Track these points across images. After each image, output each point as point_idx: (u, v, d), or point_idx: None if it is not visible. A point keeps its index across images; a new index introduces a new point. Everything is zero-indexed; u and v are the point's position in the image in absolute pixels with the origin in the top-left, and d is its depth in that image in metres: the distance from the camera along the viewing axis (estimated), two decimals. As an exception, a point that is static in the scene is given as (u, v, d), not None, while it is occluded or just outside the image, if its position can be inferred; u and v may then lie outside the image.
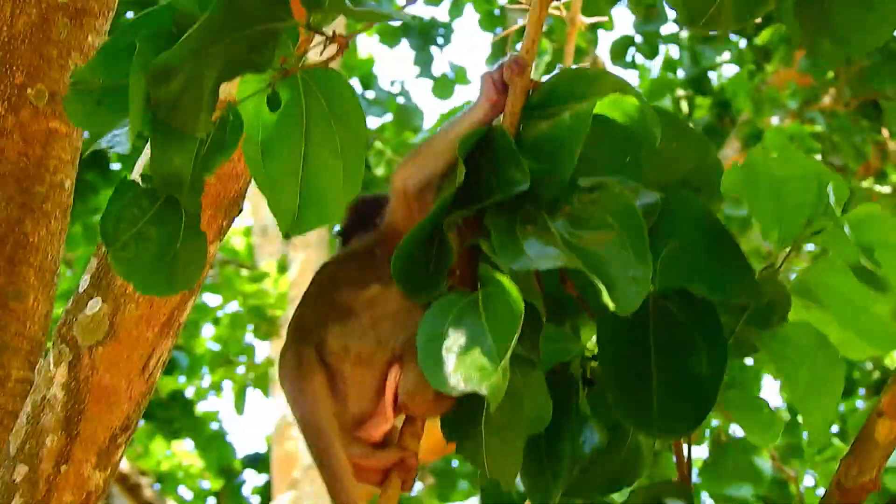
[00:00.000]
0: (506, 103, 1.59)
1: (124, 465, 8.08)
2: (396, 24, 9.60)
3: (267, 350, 8.47)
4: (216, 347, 9.26)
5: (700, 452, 5.23)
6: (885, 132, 7.08)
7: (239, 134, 1.56)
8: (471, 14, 9.92)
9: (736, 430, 4.99)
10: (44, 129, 2.37)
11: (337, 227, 1.78)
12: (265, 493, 10.11)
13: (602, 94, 1.55)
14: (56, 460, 2.14)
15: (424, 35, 9.60)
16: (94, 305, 2.16)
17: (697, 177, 1.63)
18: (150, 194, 1.53)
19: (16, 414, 2.26)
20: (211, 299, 9.16)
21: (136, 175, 1.94)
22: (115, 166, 7.50)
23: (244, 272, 8.42)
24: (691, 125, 2.03)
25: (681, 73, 7.92)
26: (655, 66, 8.20)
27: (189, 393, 9.83)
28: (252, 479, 10.70)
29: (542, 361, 1.59)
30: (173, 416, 9.47)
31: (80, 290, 2.18)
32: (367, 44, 10.20)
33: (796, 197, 1.63)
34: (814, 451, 5.29)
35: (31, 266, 2.35)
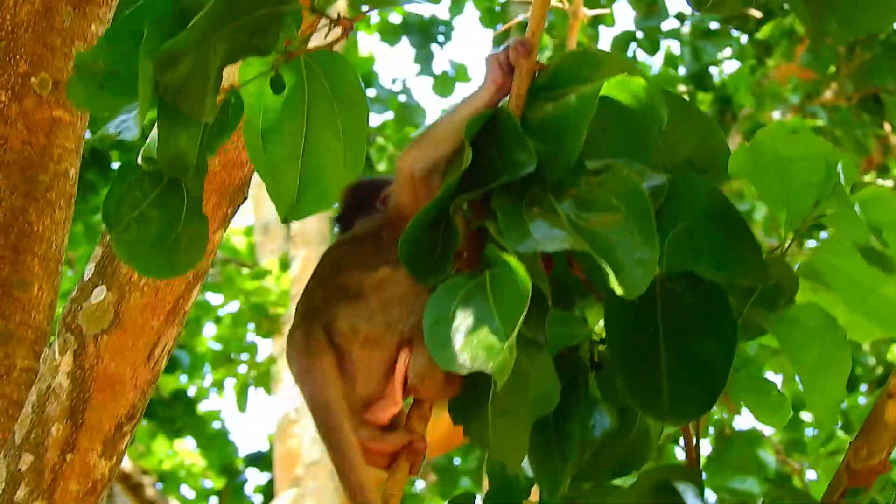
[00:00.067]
0: (512, 85, 1.59)
1: (126, 465, 8.07)
2: (397, 21, 9.60)
3: (269, 348, 8.46)
4: (218, 347, 9.26)
5: (703, 448, 5.22)
6: (887, 126, 7.07)
7: (239, 116, 1.56)
8: (471, 11, 9.91)
9: (740, 424, 5.00)
10: (47, 118, 2.37)
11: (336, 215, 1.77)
12: (267, 491, 10.11)
13: (608, 76, 1.55)
14: (62, 449, 2.13)
15: (425, 33, 9.61)
16: (99, 294, 2.16)
17: (703, 158, 1.62)
18: (152, 177, 1.52)
19: (21, 403, 2.26)
20: (212, 298, 9.17)
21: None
22: (116, 165, 7.50)
23: (245, 271, 8.42)
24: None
25: (682, 70, 7.92)
26: (656, 62, 8.20)
27: (191, 392, 9.83)
28: (254, 478, 10.70)
29: (550, 345, 1.58)
30: (175, 414, 9.48)
31: (85, 278, 2.18)
32: (368, 42, 10.21)
33: (804, 177, 1.63)
34: (818, 444, 5.28)
35: (36, 255, 2.35)
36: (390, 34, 9.67)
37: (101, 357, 2.15)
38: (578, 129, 1.52)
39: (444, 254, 1.55)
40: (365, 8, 1.60)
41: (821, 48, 6.61)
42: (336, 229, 1.73)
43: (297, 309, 1.61)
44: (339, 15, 1.59)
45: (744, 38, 7.53)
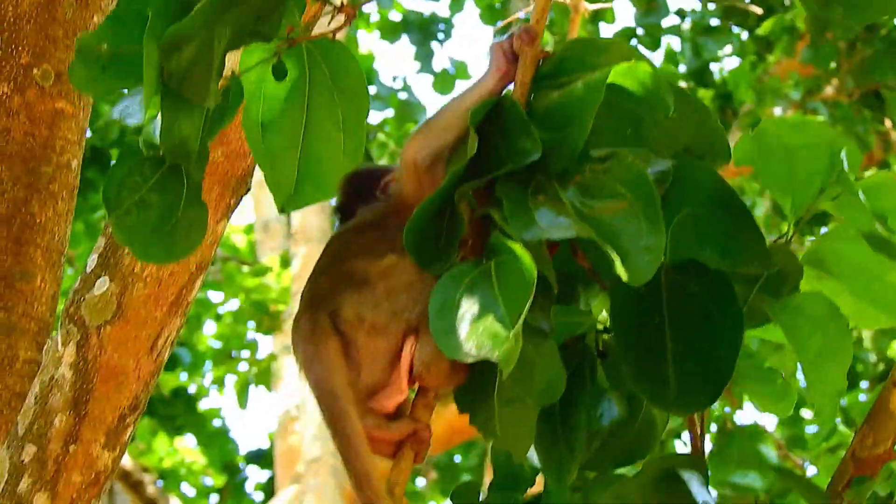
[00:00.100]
0: (516, 73, 1.58)
1: (127, 463, 8.07)
2: (397, 18, 9.60)
3: (269, 345, 8.46)
4: (218, 345, 9.26)
5: (705, 443, 5.17)
6: (887, 122, 7.07)
7: (239, 103, 1.56)
8: (471, 8, 9.90)
9: (742, 419, 4.99)
10: (50, 110, 2.37)
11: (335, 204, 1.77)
12: (268, 489, 10.11)
13: (613, 63, 1.54)
14: (64, 440, 2.13)
15: (425, 30, 9.61)
16: (102, 285, 2.15)
17: (700, 143, 1.61)
18: (153, 162, 1.52)
19: (24, 395, 2.26)
20: (213, 296, 9.16)
21: None
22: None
23: (246, 269, 8.42)
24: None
25: (682, 67, 7.91)
26: (657, 59, 8.20)
27: (191, 390, 9.83)
28: (255, 476, 10.70)
29: (555, 334, 1.58)
30: (176, 412, 9.48)
31: (88, 269, 2.18)
32: (368, 40, 10.21)
33: (808, 165, 1.62)
34: (820, 439, 5.27)
35: (38, 247, 2.35)
36: (390, 32, 9.67)
37: (104, 348, 2.14)
38: (585, 117, 1.52)
39: (448, 242, 1.55)
40: (369, -4, 1.60)
41: (821, 44, 6.60)
42: (337, 219, 1.72)
43: (302, 296, 1.61)
44: (342, 2, 1.59)
45: (744, 35, 7.52)
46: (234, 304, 8.67)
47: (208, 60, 1.44)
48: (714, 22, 7.53)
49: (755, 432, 4.81)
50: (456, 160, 1.56)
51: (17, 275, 2.33)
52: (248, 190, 2.19)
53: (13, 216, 2.33)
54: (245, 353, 9.14)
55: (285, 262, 8.09)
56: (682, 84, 7.69)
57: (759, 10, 7.23)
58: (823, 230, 1.73)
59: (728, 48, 7.53)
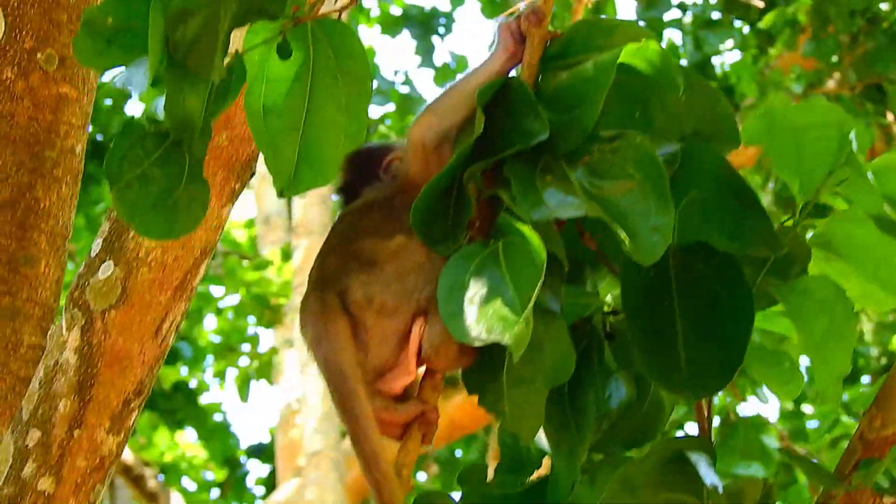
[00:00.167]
0: (523, 54, 1.58)
1: (128, 457, 8.07)
2: (398, 13, 9.60)
3: (271, 339, 8.46)
4: (219, 340, 9.26)
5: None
6: (889, 116, 7.06)
7: (242, 82, 1.55)
8: (472, 3, 9.90)
9: (744, 411, 4.99)
10: (54, 94, 2.36)
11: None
12: (269, 483, 10.11)
13: (621, 44, 1.54)
14: (69, 425, 2.13)
15: (425, 25, 9.60)
16: (107, 269, 2.15)
17: (709, 126, 1.61)
18: (155, 137, 1.51)
19: (28, 380, 2.25)
20: (214, 291, 9.16)
21: None
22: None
23: (246, 263, 8.42)
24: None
25: (684, 60, 7.91)
26: (658, 53, 8.15)
27: (192, 384, 9.83)
28: (256, 470, 10.70)
29: (564, 315, 1.57)
30: (176, 406, 9.48)
31: (93, 254, 2.17)
32: (369, 35, 10.20)
33: (817, 145, 1.61)
34: (823, 430, 5.28)
35: (43, 231, 2.34)
36: (391, 26, 9.67)
37: (109, 333, 2.14)
38: (595, 98, 1.51)
39: (456, 222, 1.55)
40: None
41: (823, 37, 6.59)
42: (340, 199, 1.70)
43: (310, 276, 1.60)
44: (348, -18, 1.59)
45: (746, 28, 7.51)
46: (234, 299, 8.66)
47: (214, 34, 1.43)
48: (715, 15, 7.52)
49: (758, 423, 4.81)
50: (463, 140, 1.55)
51: (21, 259, 2.33)
52: (253, 174, 2.19)
53: (17, 201, 2.33)
54: (246, 347, 9.13)
55: (286, 256, 8.08)
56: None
57: (760, 4, 7.22)
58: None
59: (730, 42, 7.52)
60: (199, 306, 8.96)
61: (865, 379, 7.72)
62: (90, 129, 2.40)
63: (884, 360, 7.42)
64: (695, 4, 7.78)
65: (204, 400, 10.06)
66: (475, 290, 1.46)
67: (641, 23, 7.88)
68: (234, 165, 2.16)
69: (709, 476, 1.57)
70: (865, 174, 1.57)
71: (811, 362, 1.61)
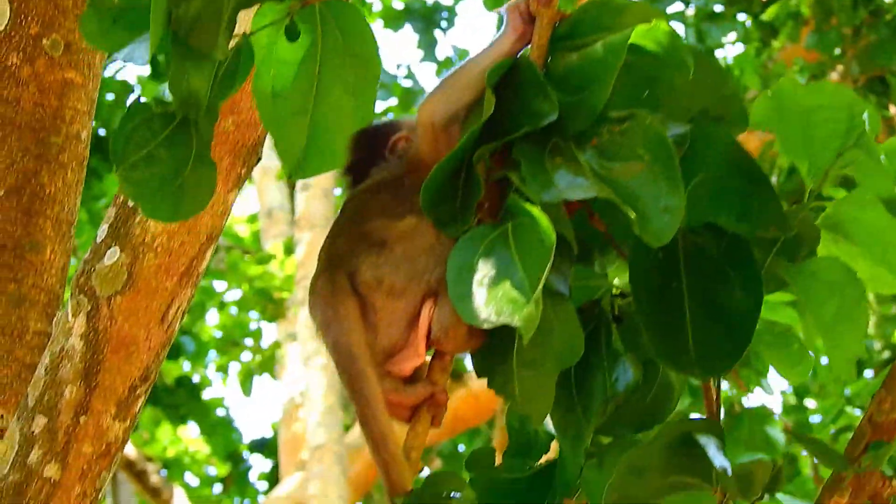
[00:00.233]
0: (532, 35, 1.57)
1: (131, 452, 8.08)
2: (400, 7, 9.59)
3: (274, 333, 8.46)
4: (221, 335, 9.26)
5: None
6: (892, 108, 7.05)
7: (251, 64, 1.55)
8: (474, -3, 9.90)
9: (748, 402, 4.99)
10: (59, 80, 2.36)
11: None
12: (272, 478, 10.12)
13: (631, 24, 1.53)
14: (75, 411, 2.12)
15: (427, 19, 9.60)
16: (113, 255, 2.14)
17: (717, 107, 1.60)
18: (162, 118, 1.51)
19: (34, 367, 2.25)
20: (216, 286, 9.16)
21: None
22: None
23: (248, 258, 8.42)
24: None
25: (686, 53, 7.86)
26: (661, 46, 8.14)
27: (195, 379, 9.83)
28: (259, 465, 10.70)
29: (572, 297, 1.57)
30: (179, 401, 9.48)
31: (98, 239, 2.17)
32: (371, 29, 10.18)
33: (826, 127, 1.61)
34: (827, 420, 5.28)
35: (48, 218, 2.34)
36: (393, 20, 9.66)
37: (115, 319, 2.13)
38: (605, 79, 1.50)
39: (465, 203, 1.54)
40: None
41: (826, 29, 6.58)
42: (349, 180, 1.69)
43: (319, 257, 1.60)
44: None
45: (748, 21, 7.50)
46: (237, 294, 8.67)
47: (217, 11, 1.43)
48: (718, 8, 7.51)
49: (763, 415, 4.81)
50: (472, 121, 1.55)
51: (26, 246, 2.32)
52: (259, 159, 2.18)
53: (23, 187, 2.32)
54: (249, 342, 9.14)
55: (289, 250, 8.08)
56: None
57: (764, -5, 7.21)
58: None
59: (732, 34, 7.51)
60: (202, 301, 8.96)
61: (868, 373, 7.71)
62: (92, 123, 2.40)
63: (887, 354, 7.42)
64: (698, -4, 7.77)
65: (207, 395, 10.06)
66: (484, 271, 1.46)
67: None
68: (241, 151, 2.15)
69: (718, 458, 1.57)
70: (878, 156, 1.56)
71: (823, 345, 1.61)
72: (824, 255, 1.64)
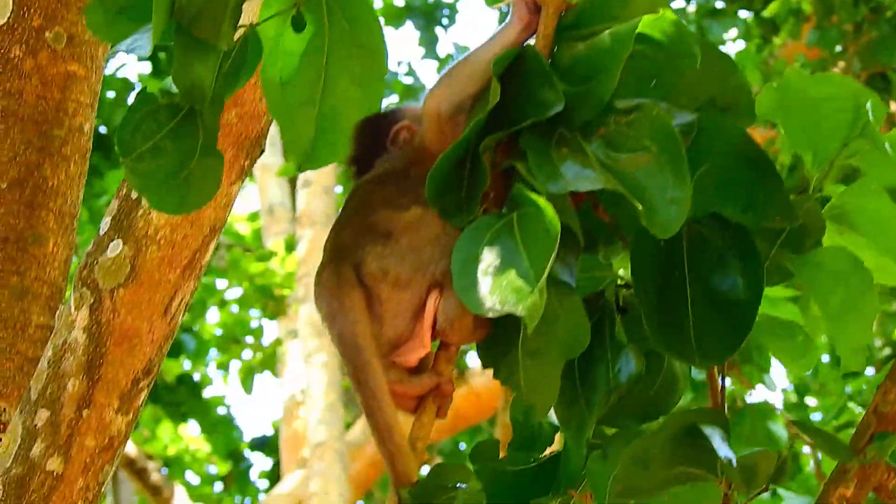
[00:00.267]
0: (538, 24, 1.57)
1: (131, 450, 8.07)
2: (401, 4, 9.59)
3: (275, 330, 8.46)
4: (222, 333, 9.25)
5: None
6: (893, 105, 7.05)
7: (258, 56, 1.55)
8: (475, -6, 9.89)
9: (750, 399, 4.98)
10: (62, 73, 2.35)
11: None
12: (272, 476, 10.12)
13: (637, 14, 1.53)
14: (78, 405, 2.12)
15: (428, 15, 9.59)
16: (116, 248, 2.14)
17: (724, 98, 1.60)
18: (169, 109, 1.51)
19: (36, 360, 2.25)
20: (217, 284, 9.15)
21: None
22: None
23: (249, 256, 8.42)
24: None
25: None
26: (662, 43, 8.13)
27: (196, 377, 9.83)
28: (259, 463, 10.71)
29: (578, 287, 1.56)
30: (180, 399, 9.48)
31: (101, 232, 2.16)
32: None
33: (832, 118, 1.61)
34: (829, 416, 5.27)
35: (51, 210, 2.34)
36: (394, 17, 9.65)
37: (118, 311, 2.13)
38: (612, 70, 1.50)
39: (471, 193, 1.54)
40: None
41: (827, 26, 6.58)
42: (353, 171, 1.69)
43: (324, 248, 1.59)
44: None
45: (749, 17, 7.49)
46: (238, 292, 8.66)
47: (221, 1, 1.42)
48: (719, 4, 7.51)
49: (765, 410, 4.80)
50: (478, 111, 1.54)
51: (29, 239, 2.32)
52: (262, 152, 2.18)
53: (26, 180, 2.32)
54: (249, 339, 9.13)
55: (290, 247, 8.08)
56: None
57: (765, -9, 7.20)
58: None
59: (734, 31, 7.50)
60: (203, 298, 8.95)
61: (869, 371, 7.71)
62: (95, 116, 2.40)
63: (887, 351, 7.41)
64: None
65: (207, 393, 10.06)
66: (489, 261, 1.46)
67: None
68: (244, 142, 2.15)
69: (722, 449, 1.56)
70: (883, 145, 1.56)
71: (831, 335, 1.60)
72: (830, 245, 1.64)
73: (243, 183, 2.18)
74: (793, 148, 1.65)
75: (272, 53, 1.59)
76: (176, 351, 8.97)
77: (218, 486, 10.84)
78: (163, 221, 2.12)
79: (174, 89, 1.48)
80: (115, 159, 7.55)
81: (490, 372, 1.59)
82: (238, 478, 10.61)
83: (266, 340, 8.95)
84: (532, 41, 1.57)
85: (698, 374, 1.66)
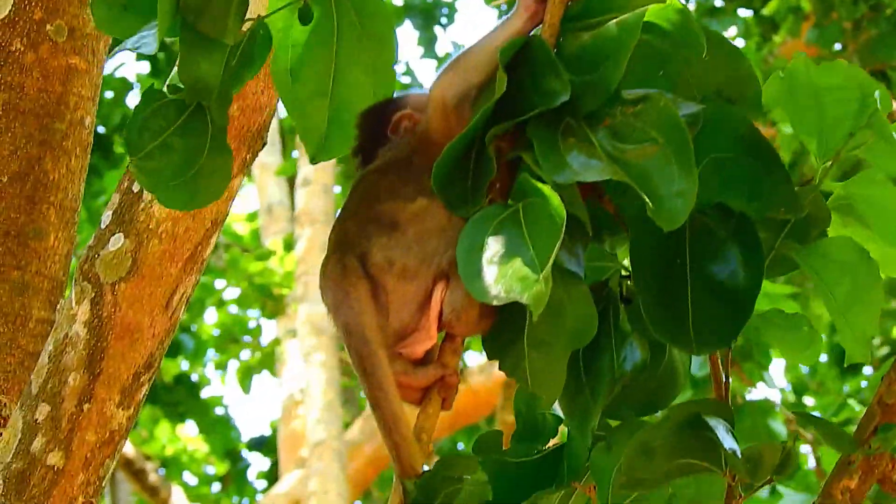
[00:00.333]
0: (544, 13, 1.56)
1: (129, 451, 8.07)
2: (399, 3, 9.59)
3: (273, 331, 8.45)
4: (220, 333, 9.25)
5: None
6: (893, 103, 7.06)
7: (267, 49, 1.54)
8: (473, -6, 9.91)
9: (750, 396, 4.98)
10: (63, 66, 2.35)
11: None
12: (270, 476, 10.11)
13: (643, 4, 1.52)
14: (79, 399, 2.11)
15: (427, 15, 9.59)
16: (117, 241, 2.13)
17: (731, 88, 1.59)
18: (176, 105, 1.50)
19: (37, 355, 2.24)
20: (216, 284, 9.15)
21: None
22: (121, 151, 7.47)
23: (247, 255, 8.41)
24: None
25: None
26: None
27: (194, 377, 9.82)
28: (257, 463, 10.70)
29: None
30: (178, 399, 9.48)
31: (103, 226, 2.16)
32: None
33: (838, 107, 1.60)
34: (829, 413, 5.27)
35: (52, 204, 2.33)
36: (393, 17, 9.65)
37: (119, 305, 2.12)
38: (619, 59, 1.50)
39: (477, 183, 1.53)
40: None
41: (827, 24, 6.58)
42: (357, 161, 1.68)
43: (329, 239, 1.58)
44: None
45: (749, 15, 7.49)
46: (236, 292, 8.66)
47: (226, -6, 1.42)
48: (719, 3, 7.51)
49: (765, 407, 4.80)
50: (484, 99, 1.54)
51: (30, 233, 2.31)
52: (265, 144, 2.17)
53: (26, 173, 2.31)
54: (248, 339, 9.13)
55: (289, 246, 8.07)
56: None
57: (764, -11, 7.20)
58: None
59: (733, 29, 7.50)
60: (201, 298, 8.95)
61: (868, 370, 7.71)
62: (96, 109, 2.40)
63: (885, 349, 7.41)
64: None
65: (205, 393, 10.06)
66: (494, 249, 1.45)
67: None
68: (246, 136, 2.14)
69: (727, 440, 1.56)
70: (889, 135, 1.55)
71: (836, 326, 1.60)
72: (836, 236, 1.63)
73: (245, 176, 2.17)
74: (799, 137, 1.65)
75: (281, 46, 1.59)
76: (174, 351, 8.97)
77: (216, 487, 10.84)
78: (164, 215, 2.12)
79: (181, 84, 1.48)
80: (113, 159, 7.55)
81: (488, 371, 1.58)
82: (236, 478, 10.61)
83: (264, 340, 8.94)
84: (538, 31, 1.57)
85: (698, 371, 1.66)
